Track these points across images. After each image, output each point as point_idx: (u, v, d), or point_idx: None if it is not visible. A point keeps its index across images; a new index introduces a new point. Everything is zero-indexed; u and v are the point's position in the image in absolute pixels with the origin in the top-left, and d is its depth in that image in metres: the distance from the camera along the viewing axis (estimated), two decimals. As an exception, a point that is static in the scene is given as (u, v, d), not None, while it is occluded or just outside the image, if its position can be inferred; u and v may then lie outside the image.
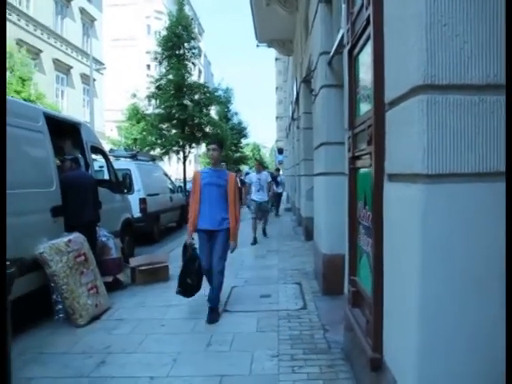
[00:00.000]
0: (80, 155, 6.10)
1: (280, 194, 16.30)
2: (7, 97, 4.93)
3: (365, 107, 2.73)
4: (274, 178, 14.76)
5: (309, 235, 8.54)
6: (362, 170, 2.88)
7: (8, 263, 2.35)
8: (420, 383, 1.84)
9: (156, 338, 3.95)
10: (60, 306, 4.35)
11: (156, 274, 6.05)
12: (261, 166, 10.67)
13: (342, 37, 3.66)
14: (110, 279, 5.47)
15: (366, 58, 2.66)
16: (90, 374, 3.22)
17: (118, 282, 5.69)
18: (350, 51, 3.08)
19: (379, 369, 2.32)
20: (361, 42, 2.77)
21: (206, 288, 4.57)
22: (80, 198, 5.24)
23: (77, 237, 4.75)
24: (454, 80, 1.75)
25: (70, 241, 4.59)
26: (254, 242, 9.32)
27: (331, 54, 4.85)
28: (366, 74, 2.68)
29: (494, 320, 1.79)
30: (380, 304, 2.31)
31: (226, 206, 4.41)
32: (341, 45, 4.02)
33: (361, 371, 2.83)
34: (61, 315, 4.36)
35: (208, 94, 21.95)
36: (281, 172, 19.76)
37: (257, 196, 9.96)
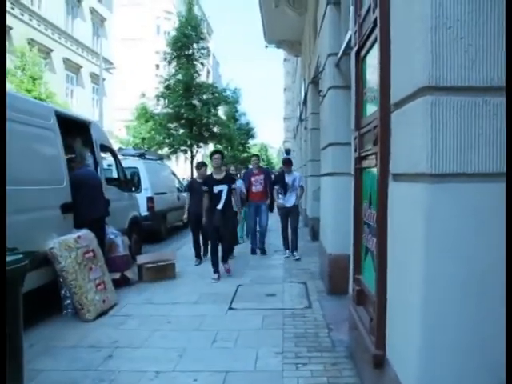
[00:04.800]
0: (90, 153, 6.19)
1: (292, 210, 7.71)
2: (19, 94, 5.03)
3: (371, 108, 2.77)
4: (278, 178, 8.19)
5: (315, 235, 8.57)
6: (368, 170, 2.92)
7: (21, 256, 2.41)
8: (422, 380, 1.86)
9: (162, 333, 4.01)
10: (68, 301, 4.43)
11: (163, 272, 6.11)
12: None
13: (350, 38, 3.69)
14: (117, 276, 5.54)
15: (372, 59, 2.69)
16: (98, 368, 3.29)
17: (125, 278, 5.76)
18: (358, 53, 3.12)
19: (382, 366, 2.36)
20: (368, 43, 2.80)
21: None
22: (91, 194, 5.34)
23: (86, 233, 4.83)
24: (458, 82, 1.78)
25: (79, 237, 4.67)
26: None
27: (339, 55, 4.88)
28: (372, 76, 2.72)
29: (497, 320, 1.82)
30: (383, 302, 2.34)
31: None
32: (349, 46, 4.05)
33: (364, 368, 2.86)
34: (69, 310, 4.44)
35: (216, 94, 22.13)
36: (295, 170, 9.42)
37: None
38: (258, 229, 8.22)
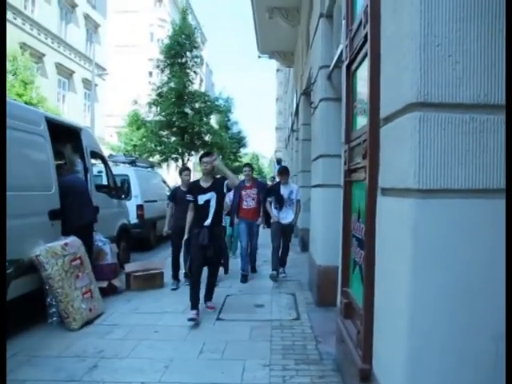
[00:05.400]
0: (79, 160, 6.15)
1: (287, 229, 6.70)
2: (10, 99, 5.00)
3: (361, 122, 2.79)
4: (272, 188, 6.92)
5: (305, 246, 8.57)
6: (357, 184, 2.93)
7: (5, 263, 2.38)
8: (408, 395, 1.87)
9: (149, 344, 3.96)
10: (54, 310, 4.36)
11: (151, 281, 6.06)
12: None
13: (342, 52, 3.73)
14: (104, 284, 5.48)
15: (363, 73, 2.72)
16: (82, 378, 3.23)
17: (112, 287, 5.70)
18: (348, 67, 3.15)
19: (368, 380, 2.35)
20: (358, 58, 2.84)
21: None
22: (79, 200, 5.32)
23: (73, 240, 4.78)
24: (446, 99, 1.81)
25: (66, 244, 4.61)
26: None
27: (331, 68, 4.93)
28: (362, 90, 2.75)
29: (483, 333, 1.83)
30: (370, 315, 2.35)
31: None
32: (340, 59, 4.10)
33: (351, 382, 2.85)
34: (54, 318, 4.37)
35: (209, 103, 22.21)
36: (293, 183, 8.16)
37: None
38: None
